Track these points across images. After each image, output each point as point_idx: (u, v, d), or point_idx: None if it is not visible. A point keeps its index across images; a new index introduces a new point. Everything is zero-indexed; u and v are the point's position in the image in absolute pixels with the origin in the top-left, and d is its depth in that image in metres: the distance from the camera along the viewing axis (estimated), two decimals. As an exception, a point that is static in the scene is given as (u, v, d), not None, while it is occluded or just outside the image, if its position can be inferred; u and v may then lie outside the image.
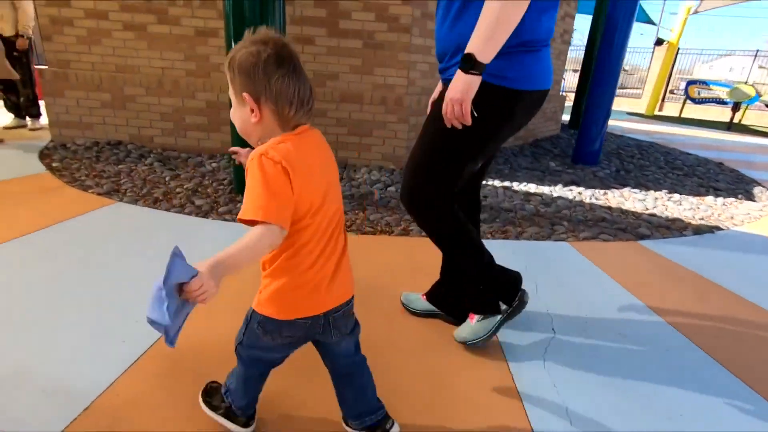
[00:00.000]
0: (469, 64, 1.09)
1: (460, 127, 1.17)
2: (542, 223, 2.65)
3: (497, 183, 3.48)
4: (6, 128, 4.22)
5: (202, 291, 0.67)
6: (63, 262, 1.82)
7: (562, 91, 7.48)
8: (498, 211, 2.80)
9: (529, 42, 1.16)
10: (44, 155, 3.42)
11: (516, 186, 3.45)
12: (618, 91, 5.41)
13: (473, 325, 1.44)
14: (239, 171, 2.79)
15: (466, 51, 1.09)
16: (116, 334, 1.38)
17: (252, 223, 0.74)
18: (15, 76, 3.65)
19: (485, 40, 1.07)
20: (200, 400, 1.09)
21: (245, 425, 1.04)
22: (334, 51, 3.55)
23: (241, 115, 0.83)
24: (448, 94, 1.14)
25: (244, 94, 0.79)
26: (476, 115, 1.15)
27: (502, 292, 1.43)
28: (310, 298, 0.86)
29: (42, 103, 4.39)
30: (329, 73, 3.58)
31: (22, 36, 3.99)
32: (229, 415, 1.04)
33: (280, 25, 2.51)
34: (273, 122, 0.81)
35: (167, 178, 3.00)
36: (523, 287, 1.45)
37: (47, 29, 3.61)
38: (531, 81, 1.21)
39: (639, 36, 47.57)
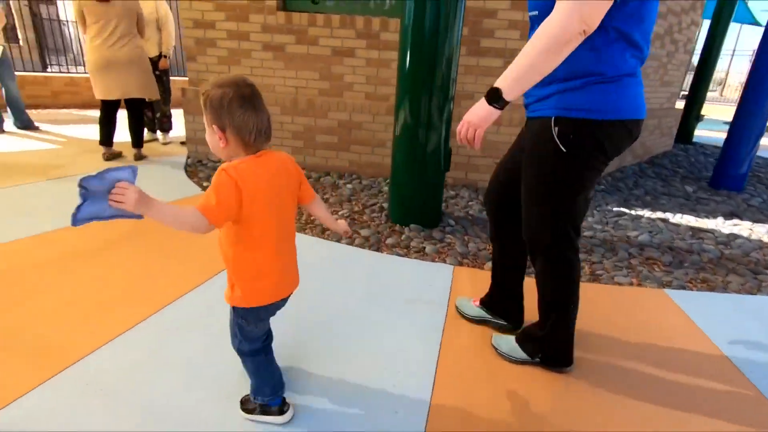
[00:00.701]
0: (495, 97, 1.14)
1: (468, 146, 1.25)
2: (738, 270, 2.39)
3: (646, 213, 3.22)
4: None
5: (122, 195, 0.81)
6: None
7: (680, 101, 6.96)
8: (679, 252, 2.56)
9: (613, 76, 1.15)
10: (189, 173, 3.55)
11: (671, 218, 3.17)
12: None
13: (515, 344, 1.53)
14: (395, 198, 2.73)
15: (495, 84, 1.14)
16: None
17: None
18: (157, 96, 3.82)
19: (515, 80, 1.11)
20: (240, 412, 1.22)
21: (281, 413, 1.19)
22: (471, 70, 3.43)
23: (212, 140, 1.00)
24: (467, 116, 1.20)
25: (213, 125, 0.97)
26: (564, 150, 1.19)
27: (554, 349, 1.45)
28: (276, 286, 1.09)
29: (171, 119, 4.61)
30: (465, 93, 3.46)
31: (165, 56, 4.17)
32: (264, 410, 1.19)
33: (457, 41, 2.38)
34: (238, 147, 0.99)
35: (316, 202, 2.99)
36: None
37: (192, 50, 3.75)
38: (616, 111, 1.17)
39: None
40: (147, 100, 3.74)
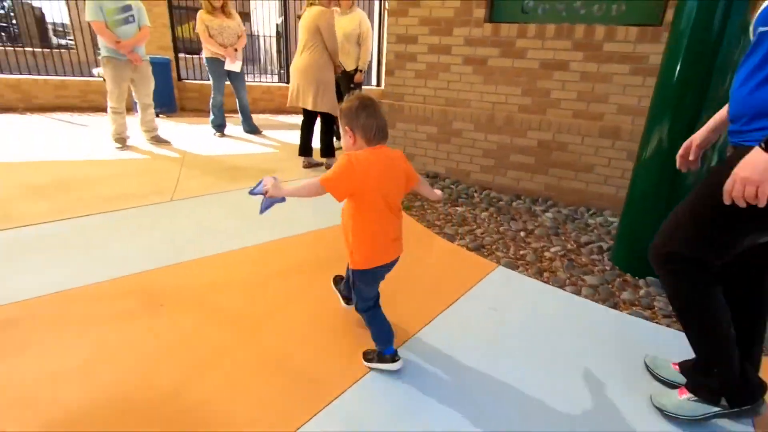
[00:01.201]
0: None
1: (743, 205, 1.06)
2: None
3: None
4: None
5: (268, 186, 1.38)
6: (521, 354, 1.60)
7: None
8: None
9: None
10: (379, 185, 3.62)
11: None
12: None
13: (680, 399, 1.39)
14: (627, 240, 2.30)
15: None
16: None
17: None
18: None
19: None
20: (363, 362, 1.53)
21: (392, 361, 1.49)
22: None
23: (345, 140, 1.40)
24: (739, 171, 1.04)
25: (346, 127, 1.37)
26: None
27: (731, 391, 1.32)
28: (383, 252, 1.44)
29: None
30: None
31: (361, 71, 4.37)
32: (380, 358, 1.50)
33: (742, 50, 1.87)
34: (362, 142, 1.37)
35: (522, 234, 2.72)
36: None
37: (391, 64, 3.82)
38: None
39: None
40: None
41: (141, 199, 2.96)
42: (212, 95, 5.07)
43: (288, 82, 8.32)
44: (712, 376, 1.33)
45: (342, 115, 1.37)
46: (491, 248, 2.52)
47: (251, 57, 14.59)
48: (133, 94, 4.36)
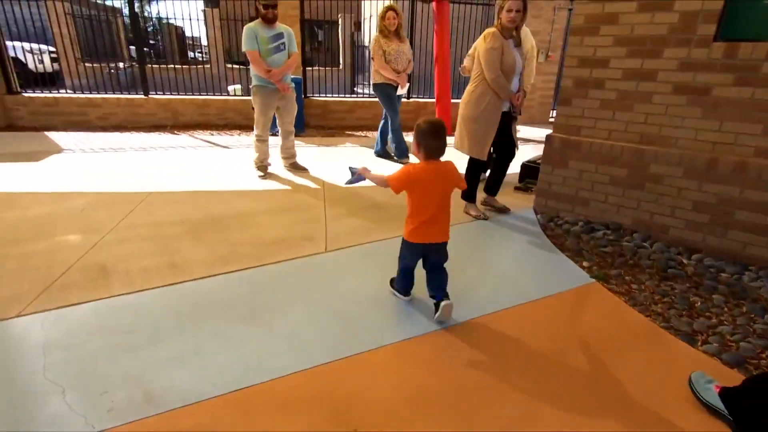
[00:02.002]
0: None
1: None
2: None
3: None
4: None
5: (364, 170, 2.14)
6: None
7: None
8: None
9: None
10: (550, 235, 3.04)
11: None
12: None
13: None
14: None
15: None
16: None
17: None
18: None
19: None
20: (388, 285, 2.26)
21: (405, 294, 2.17)
22: None
23: (414, 147, 1.93)
24: None
25: (416, 141, 1.88)
26: None
27: None
28: (424, 234, 1.95)
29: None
30: None
31: (524, 93, 3.82)
32: (397, 291, 2.19)
33: None
34: (422, 155, 1.89)
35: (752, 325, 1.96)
36: None
37: (568, 92, 3.20)
38: None
39: None
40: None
41: (295, 246, 2.74)
42: (389, 119, 4.93)
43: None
44: None
45: (416, 131, 1.88)
46: (758, 362, 1.81)
47: (362, 67, 14.79)
48: (276, 120, 4.30)
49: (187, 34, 18.90)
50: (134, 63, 9.82)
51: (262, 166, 4.24)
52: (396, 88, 4.70)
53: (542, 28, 7.59)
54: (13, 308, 2.02)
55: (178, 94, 7.05)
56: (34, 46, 10.14)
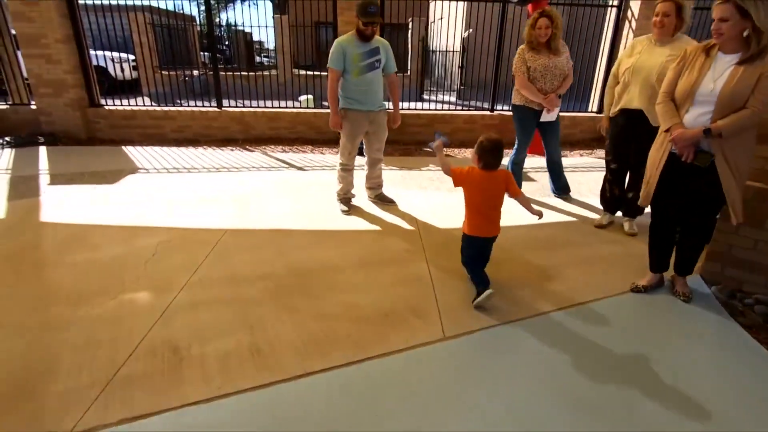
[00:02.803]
0: None
1: None
2: None
3: None
4: (597, 226, 3.45)
5: (440, 145, 2.45)
6: None
7: None
8: None
9: None
10: (743, 323, 2.22)
11: None
12: None
13: None
14: None
15: None
16: None
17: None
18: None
19: None
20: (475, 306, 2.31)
21: (487, 285, 2.27)
22: None
23: (475, 163, 2.27)
24: None
25: (476, 154, 2.24)
26: None
27: None
28: (478, 228, 2.31)
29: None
30: None
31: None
32: (483, 298, 2.24)
33: None
34: (479, 164, 2.24)
35: None
36: None
37: (772, 127, 2.35)
38: None
39: None
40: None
41: (402, 326, 2.14)
42: (514, 151, 3.99)
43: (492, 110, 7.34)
44: None
45: (479, 146, 2.20)
46: None
47: (429, 73, 14.12)
48: (363, 147, 3.76)
49: (254, 38, 19.25)
50: (208, 70, 9.87)
51: (346, 199, 3.72)
52: (538, 113, 3.74)
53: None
54: (67, 419, 1.58)
55: (250, 107, 6.78)
56: (116, 54, 10.52)
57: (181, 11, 18.74)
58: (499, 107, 7.17)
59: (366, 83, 3.34)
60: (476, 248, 2.36)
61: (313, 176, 4.73)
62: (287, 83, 9.16)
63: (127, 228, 3.24)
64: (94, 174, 4.57)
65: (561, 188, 4.13)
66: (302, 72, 10.96)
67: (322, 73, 7.42)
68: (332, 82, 3.34)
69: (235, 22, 29.91)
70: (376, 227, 3.38)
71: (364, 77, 3.32)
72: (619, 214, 3.51)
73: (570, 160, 5.84)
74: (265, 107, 6.78)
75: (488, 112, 7.06)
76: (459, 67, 12.74)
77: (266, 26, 11.57)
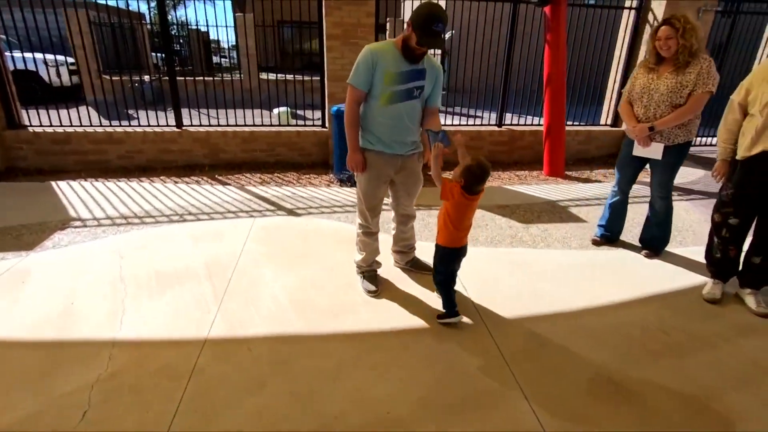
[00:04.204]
0: None
1: None
2: None
3: None
4: (710, 301, 2.61)
5: (436, 148, 2.21)
6: None
7: None
8: None
9: None
10: None
11: None
12: None
13: None
14: None
15: None
16: None
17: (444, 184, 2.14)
18: None
19: None
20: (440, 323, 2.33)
21: (455, 315, 2.30)
22: None
23: (457, 175, 2.09)
24: None
25: (462, 177, 2.07)
26: None
27: None
28: (458, 239, 2.21)
29: None
30: None
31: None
32: (451, 317, 2.30)
33: None
34: (465, 187, 2.07)
35: None
36: None
37: None
38: None
39: None
40: None
41: None
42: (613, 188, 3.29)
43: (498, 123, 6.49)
44: None
45: (467, 170, 2.03)
46: None
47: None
48: (390, 200, 2.74)
49: (211, 37, 17.61)
50: (161, 75, 8.49)
51: (371, 272, 2.70)
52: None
53: (680, 37, 5.86)
54: None
55: (218, 125, 5.59)
56: (51, 57, 8.94)
57: (127, 8, 16.87)
58: (508, 121, 6.34)
59: (395, 116, 2.33)
60: (455, 260, 2.29)
61: (310, 224, 3.66)
62: (254, 90, 8.00)
63: (44, 349, 2.07)
64: (2, 233, 3.29)
65: (649, 241, 3.24)
66: (272, 76, 9.75)
67: (305, 78, 6.33)
68: (352, 103, 2.32)
69: (187, 20, 27.84)
70: (422, 323, 2.36)
71: (395, 107, 2.31)
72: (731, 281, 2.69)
73: (592, 188, 5.04)
74: (236, 125, 5.61)
75: (496, 127, 6.21)
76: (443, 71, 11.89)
77: (226, 26, 10.23)
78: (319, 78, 5.51)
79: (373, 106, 2.33)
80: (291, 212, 3.93)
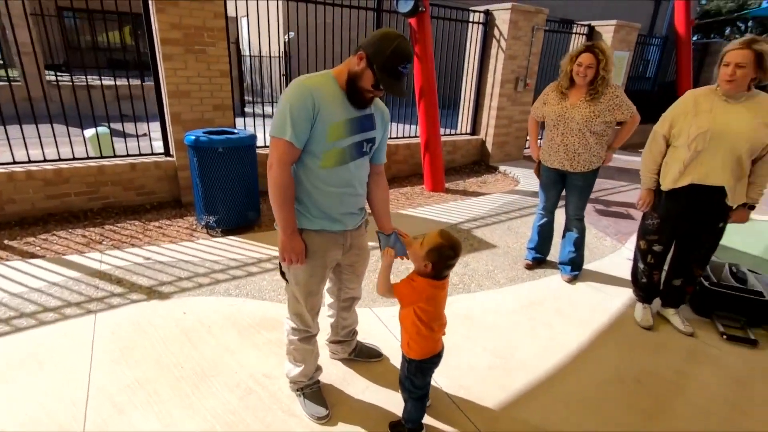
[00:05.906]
0: None
1: None
2: None
3: None
4: (646, 328, 2.68)
5: (387, 253, 1.71)
6: None
7: None
8: None
9: None
10: None
11: None
12: None
13: None
14: None
15: None
16: None
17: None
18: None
19: None
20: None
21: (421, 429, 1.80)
22: None
23: (420, 264, 1.59)
24: None
25: (428, 261, 1.56)
26: None
27: None
28: (435, 343, 1.70)
29: None
30: None
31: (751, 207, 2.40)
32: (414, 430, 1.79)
33: None
34: (429, 274, 1.58)
35: None
36: None
37: None
38: None
39: None
40: None
41: None
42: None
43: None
44: None
45: (436, 250, 1.53)
46: None
47: (253, 85, 12.02)
48: (327, 288, 2.02)
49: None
50: None
51: (313, 388, 1.94)
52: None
53: (521, 52, 6.42)
54: None
55: (6, 163, 3.83)
56: None
57: None
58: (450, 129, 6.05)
59: (345, 181, 1.65)
60: (434, 369, 1.78)
61: (188, 312, 2.61)
62: (41, 99, 5.98)
63: None
64: None
65: (571, 264, 3.22)
66: (64, 79, 7.49)
67: (121, 82, 4.58)
68: (283, 165, 1.54)
69: None
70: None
71: (345, 169, 1.63)
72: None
73: (479, 202, 5.12)
74: (30, 162, 3.92)
75: (470, 135, 5.96)
76: (282, 75, 11.05)
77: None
78: (143, 83, 4.23)
79: (311, 167, 1.60)
80: (152, 292, 2.78)
